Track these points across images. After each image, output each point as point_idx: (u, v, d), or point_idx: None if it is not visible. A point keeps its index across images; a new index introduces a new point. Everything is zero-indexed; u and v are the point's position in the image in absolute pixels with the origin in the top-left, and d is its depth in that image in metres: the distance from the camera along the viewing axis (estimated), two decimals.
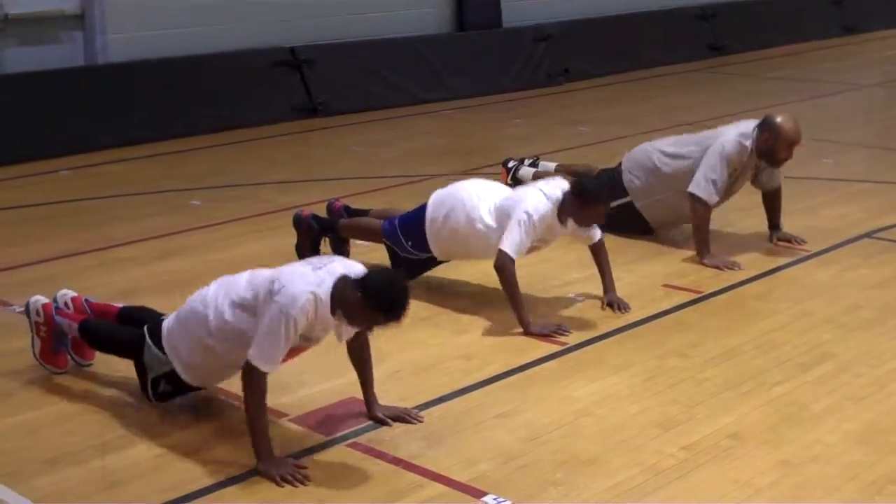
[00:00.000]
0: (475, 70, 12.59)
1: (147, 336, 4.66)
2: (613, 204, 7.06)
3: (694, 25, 15.23)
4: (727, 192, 6.86)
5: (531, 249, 5.84)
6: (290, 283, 4.21)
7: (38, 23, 10.05)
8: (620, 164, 7.21)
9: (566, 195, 5.67)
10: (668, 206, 6.98)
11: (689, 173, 6.76)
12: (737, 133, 6.72)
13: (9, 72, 9.76)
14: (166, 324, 4.64)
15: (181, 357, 4.55)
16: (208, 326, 4.42)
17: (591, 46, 13.71)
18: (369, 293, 4.14)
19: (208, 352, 4.44)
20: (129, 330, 4.84)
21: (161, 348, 4.60)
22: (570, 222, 5.72)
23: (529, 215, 5.61)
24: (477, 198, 5.91)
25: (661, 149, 7.01)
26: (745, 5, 15.96)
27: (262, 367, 4.20)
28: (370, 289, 4.15)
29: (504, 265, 5.58)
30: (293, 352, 4.38)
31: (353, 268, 4.37)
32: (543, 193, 5.69)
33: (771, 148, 6.66)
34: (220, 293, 4.46)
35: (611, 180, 7.10)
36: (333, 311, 4.22)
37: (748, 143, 6.67)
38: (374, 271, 4.30)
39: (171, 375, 4.60)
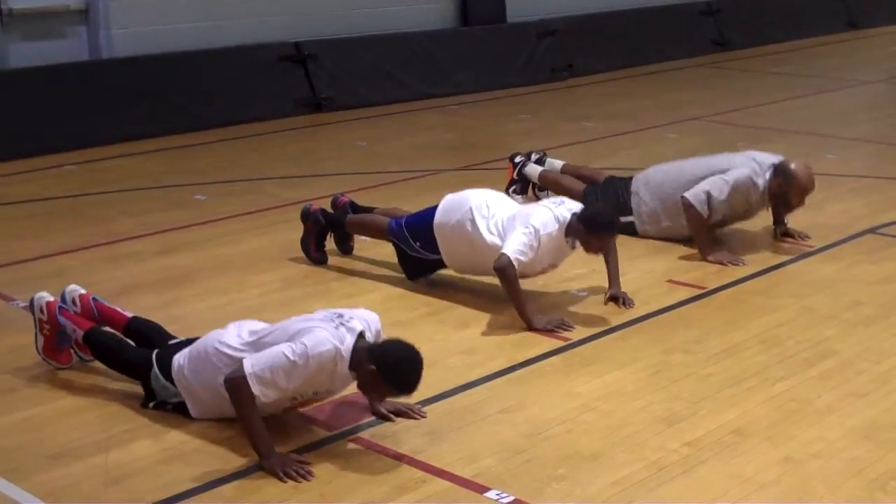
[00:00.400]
0: (480, 65, 12.58)
1: (155, 364, 4.64)
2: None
3: (698, 21, 15.21)
4: (737, 216, 6.88)
5: (541, 272, 5.84)
6: (316, 330, 4.24)
7: (42, 18, 10.04)
8: (630, 179, 7.14)
9: (574, 219, 5.66)
10: (672, 233, 6.96)
11: None
12: (751, 169, 6.69)
13: (13, 67, 9.76)
14: (178, 360, 4.58)
15: (193, 394, 4.54)
16: (223, 373, 4.35)
17: (595, 42, 13.69)
18: (384, 369, 4.19)
19: (222, 396, 4.35)
20: (136, 352, 4.81)
21: (170, 379, 4.58)
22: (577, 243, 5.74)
23: (536, 229, 5.60)
24: (487, 209, 5.89)
25: (677, 181, 6.86)
26: (750, 1, 15.93)
27: (252, 379, 4.14)
28: (385, 365, 4.20)
29: (504, 266, 5.54)
30: (313, 401, 4.48)
31: (371, 323, 4.43)
32: (552, 213, 5.68)
33: (784, 194, 6.73)
34: (237, 343, 4.44)
35: (617, 198, 7.05)
36: (350, 369, 4.29)
37: (760, 182, 6.69)
38: (390, 345, 4.31)
39: (180, 406, 4.59)
